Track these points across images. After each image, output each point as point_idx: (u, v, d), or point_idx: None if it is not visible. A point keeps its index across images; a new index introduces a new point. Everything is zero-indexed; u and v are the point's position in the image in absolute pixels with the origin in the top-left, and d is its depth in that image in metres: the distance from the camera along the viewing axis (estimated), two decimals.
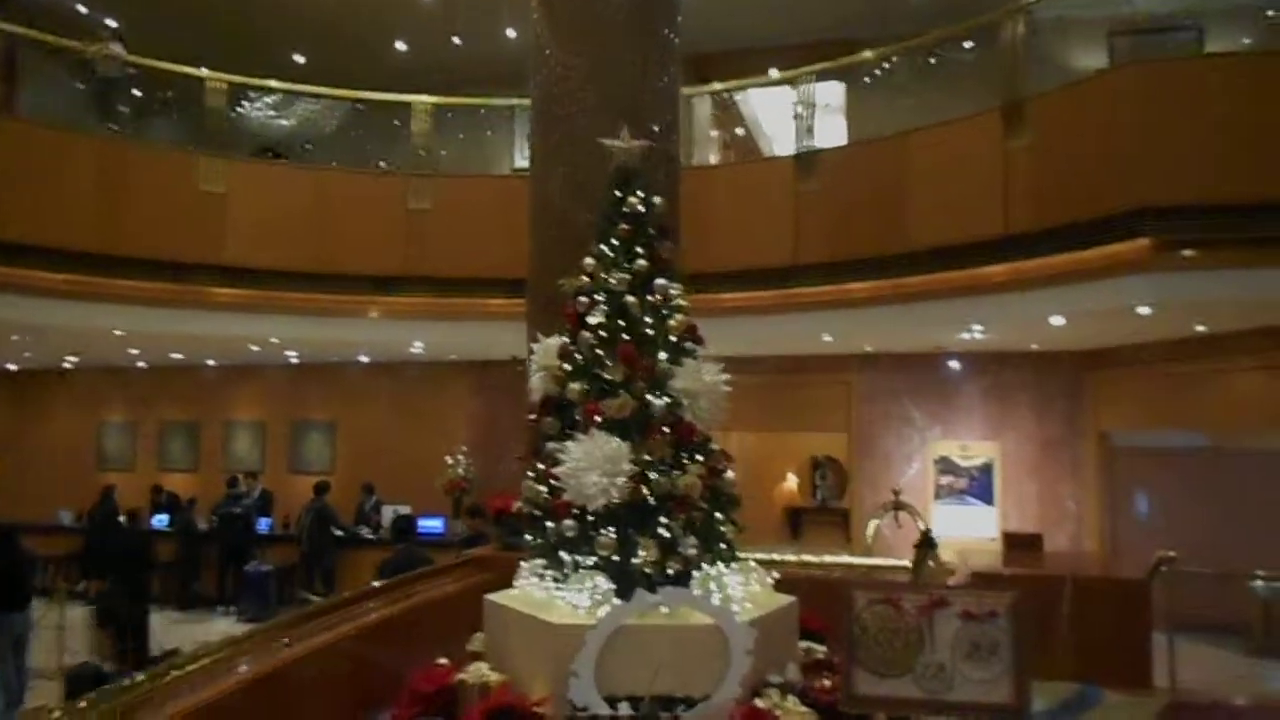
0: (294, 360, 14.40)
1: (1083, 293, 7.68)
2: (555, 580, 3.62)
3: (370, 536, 12.39)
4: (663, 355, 3.84)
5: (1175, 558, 5.25)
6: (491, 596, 3.99)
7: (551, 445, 3.72)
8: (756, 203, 9.95)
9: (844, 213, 9.30)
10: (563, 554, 3.73)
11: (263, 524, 12.96)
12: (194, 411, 15.81)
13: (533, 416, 4.02)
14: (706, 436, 3.87)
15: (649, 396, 3.73)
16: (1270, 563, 7.49)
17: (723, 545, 3.84)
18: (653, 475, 3.61)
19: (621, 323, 3.84)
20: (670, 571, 3.54)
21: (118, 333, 10.39)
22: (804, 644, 4.30)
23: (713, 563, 3.70)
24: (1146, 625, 4.99)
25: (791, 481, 19.20)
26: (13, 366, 15.33)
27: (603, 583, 3.51)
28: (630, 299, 3.83)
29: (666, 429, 3.69)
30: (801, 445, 18.28)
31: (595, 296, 3.92)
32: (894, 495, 6.98)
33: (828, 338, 10.34)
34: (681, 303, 4.00)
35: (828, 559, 5.42)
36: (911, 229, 8.78)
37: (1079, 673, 4.16)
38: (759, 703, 3.22)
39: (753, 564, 4.03)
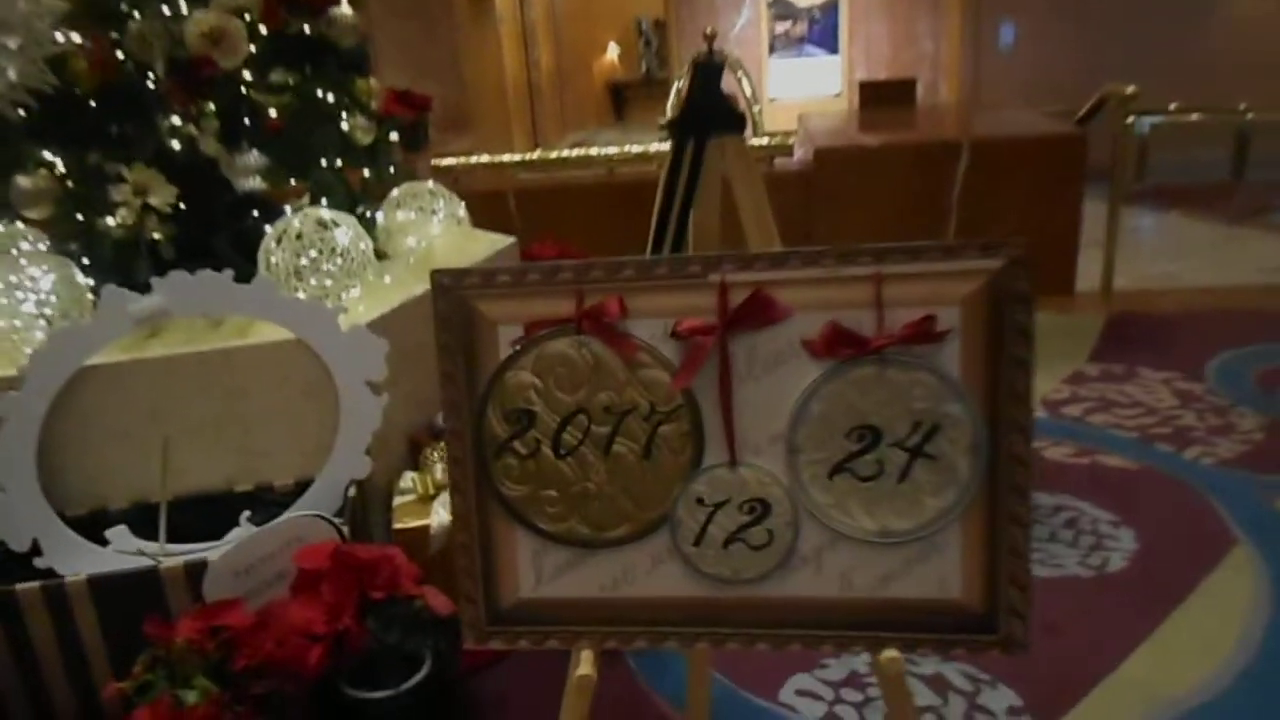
0: None
1: None
2: None
3: None
4: None
5: (1135, 94, 3.71)
6: None
7: None
8: None
9: None
10: None
11: None
12: None
13: None
14: None
15: None
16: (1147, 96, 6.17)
17: (345, 159, 1.93)
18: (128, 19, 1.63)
19: None
20: (219, 237, 1.71)
21: None
22: None
23: (316, 197, 1.84)
24: (1076, 197, 3.53)
25: (613, 52, 17.24)
26: None
27: (45, 278, 1.64)
28: None
29: None
30: (622, 5, 16.03)
31: None
32: (706, 41, 5.13)
33: None
34: None
35: (610, 150, 3.62)
36: None
37: None
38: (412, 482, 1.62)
39: (433, 187, 2.18)
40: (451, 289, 0.83)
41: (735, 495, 0.85)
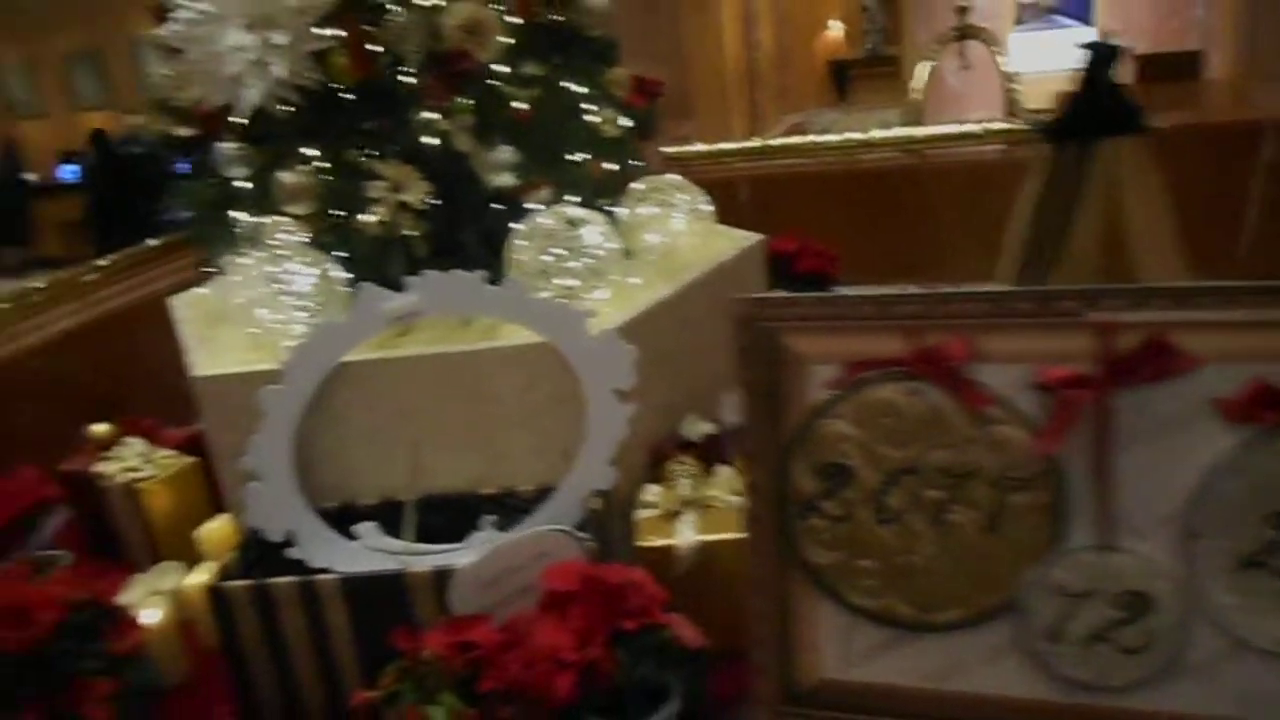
0: None
1: None
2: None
3: None
4: None
5: None
6: (179, 299, 2.18)
7: None
8: None
9: None
10: (244, 216, 1.86)
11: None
12: (93, 35, 13.39)
13: None
14: None
15: None
16: None
17: (593, 153, 1.91)
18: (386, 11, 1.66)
19: None
20: (466, 239, 1.73)
21: None
22: None
23: (564, 193, 1.82)
24: None
25: (836, 29, 16.78)
26: None
27: (306, 273, 1.68)
28: None
29: None
30: None
31: None
32: (959, 15, 4.81)
33: None
34: None
35: (851, 136, 3.43)
36: None
37: None
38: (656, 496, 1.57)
39: (676, 180, 2.11)
40: (756, 319, 0.73)
41: (1107, 585, 0.70)
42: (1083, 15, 8.93)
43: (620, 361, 1.64)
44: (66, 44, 13.66)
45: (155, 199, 8.99)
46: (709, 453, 1.76)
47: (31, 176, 12.08)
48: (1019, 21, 9.00)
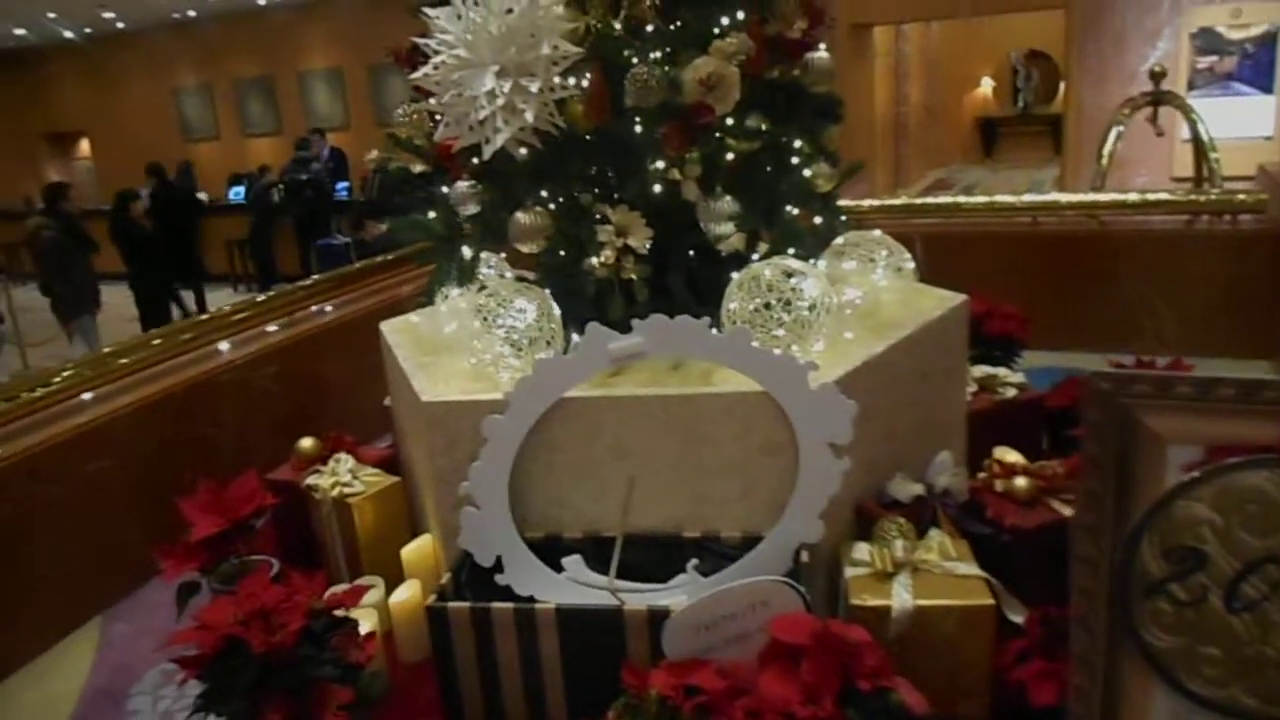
0: None
1: None
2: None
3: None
4: None
5: None
6: (389, 325, 2.30)
7: (429, 13, 1.80)
8: None
9: None
10: (465, 250, 1.95)
11: (340, 189, 11.71)
12: (266, 64, 14.28)
13: None
14: None
15: None
16: None
17: (803, 206, 1.94)
18: (629, 64, 1.73)
19: None
20: (674, 284, 1.76)
21: None
22: (982, 369, 2.43)
23: (779, 245, 1.85)
24: None
25: (986, 87, 16.56)
26: (20, 32, 13.92)
27: (528, 309, 1.75)
28: None
29: None
30: (1000, 38, 15.38)
31: None
32: (1154, 81, 4.68)
33: None
34: None
35: (1030, 198, 3.37)
36: None
37: None
38: (868, 555, 1.57)
39: (878, 236, 2.12)
40: (1112, 395, 0.73)
41: None
42: (1263, 84, 8.55)
43: (838, 416, 1.65)
44: (240, 72, 14.60)
45: (318, 224, 9.54)
46: (918, 515, 1.75)
47: (203, 196, 12.91)
48: (1192, 86, 8.67)
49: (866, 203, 3.78)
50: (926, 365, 2.00)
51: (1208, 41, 8.57)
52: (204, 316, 3.04)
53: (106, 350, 2.79)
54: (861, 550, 1.67)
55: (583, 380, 1.71)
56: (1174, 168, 7.90)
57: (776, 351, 1.69)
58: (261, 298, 3.23)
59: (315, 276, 3.54)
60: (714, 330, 1.84)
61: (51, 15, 12.49)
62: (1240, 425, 0.69)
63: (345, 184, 11.86)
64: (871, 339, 1.88)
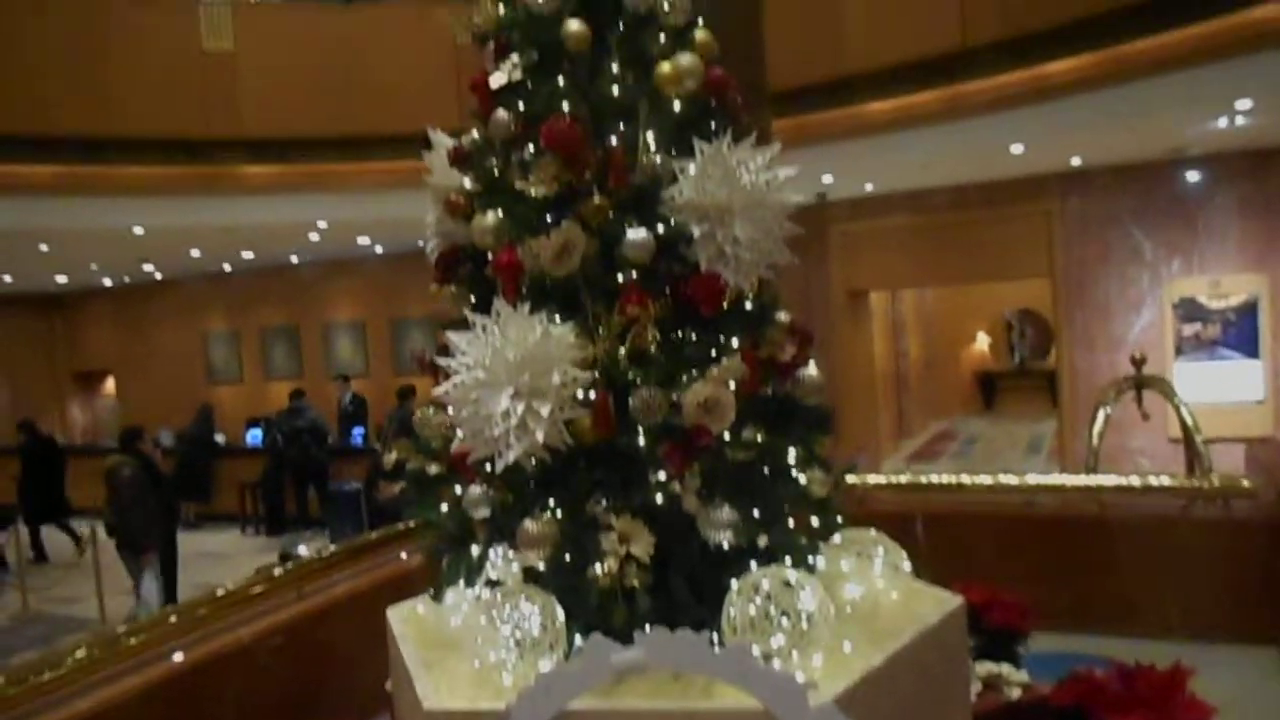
0: (387, 251, 13.12)
1: None
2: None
3: None
4: (650, 139, 1.98)
5: None
6: (396, 612, 2.34)
7: (451, 336, 1.97)
8: None
9: None
10: (474, 549, 2.03)
11: (356, 434, 11.99)
12: (292, 314, 14.99)
13: (433, 286, 2.25)
14: (764, 297, 2.05)
15: (625, 226, 1.94)
16: None
17: (798, 515, 2.03)
18: (633, 387, 1.86)
19: (560, 80, 1.99)
20: (676, 589, 1.83)
21: (138, 230, 9.27)
22: (985, 667, 2.43)
23: (778, 555, 1.93)
24: None
25: (982, 342, 17.21)
26: (62, 279, 14.76)
27: (533, 614, 1.81)
28: (574, 27, 1.97)
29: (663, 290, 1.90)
30: (993, 298, 16.19)
31: (513, 36, 2.07)
32: (1135, 366, 4.91)
33: (1018, 149, 7.94)
34: (700, 35, 2.13)
35: (1031, 479, 3.48)
36: None
37: None
38: None
39: (874, 535, 2.21)
40: None
41: None
42: (1248, 349, 8.90)
43: None
44: (267, 320, 15.29)
45: (317, 470, 9.71)
46: None
47: (221, 438, 13.19)
48: (1179, 352, 9.03)
49: (871, 479, 3.88)
50: (927, 672, 2.02)
51: (1190, 311, 9.01)
52: (220, 593, 3.08)
53: (120, 630, 2.84)
54: None
55: (583, 692, 1.74)
56: (1169, 427, 8.06)
57: (776, 666, 1.72)
58: (279, 571, 3.28)
59: (333, 547, 3.61)
60: (714, 634, 1.89)
61: (94, 266, 13.28)
62: None
63: (361, 429, 12.14)
64: (870, 650, 1.91)
